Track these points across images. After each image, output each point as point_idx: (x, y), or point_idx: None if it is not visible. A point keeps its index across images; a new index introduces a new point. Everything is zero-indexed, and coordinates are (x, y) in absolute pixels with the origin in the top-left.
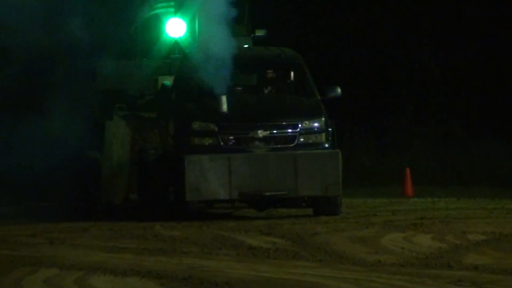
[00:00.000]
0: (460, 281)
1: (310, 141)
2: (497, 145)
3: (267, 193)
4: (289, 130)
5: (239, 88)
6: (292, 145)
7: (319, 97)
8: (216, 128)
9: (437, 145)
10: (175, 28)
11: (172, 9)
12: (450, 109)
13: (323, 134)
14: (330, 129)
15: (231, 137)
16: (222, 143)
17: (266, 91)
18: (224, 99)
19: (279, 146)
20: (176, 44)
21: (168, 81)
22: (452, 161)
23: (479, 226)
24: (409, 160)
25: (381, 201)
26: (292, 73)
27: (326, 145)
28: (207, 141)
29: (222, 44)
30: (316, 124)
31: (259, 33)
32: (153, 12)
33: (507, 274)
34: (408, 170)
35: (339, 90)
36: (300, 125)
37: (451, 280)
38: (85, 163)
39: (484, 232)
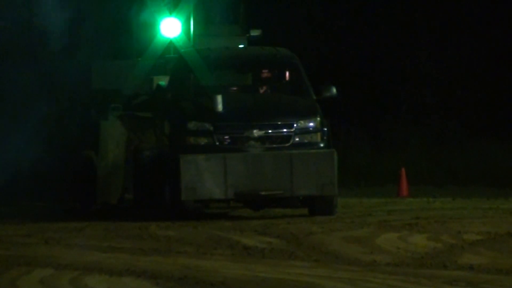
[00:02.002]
0: (455, 281)
1: (306, 141)
2: (492, 145)
3: (263, 193)
4: (285, 130)
5: (235, 88)
6: (287, 144)
7: (314, 97)
8: (211, 128)
9: (432, 145)
10: (170, 28)
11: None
12: (445, 109)
13: (319, 134)
14: (326, 129)
15: (227, 137)
16: (217, 143)
17: (261, 91)
18: (219, 98)
19: (275, 145)
20: (171, 44)
21: (163, 81)
22: (447, 161)
23: (475, 226)
24: (404, 160)
25: (376, 201)
26: (287, 73)
27: (322, 145)
28: (203, 141)
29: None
30: (311, 124)
31: (254, 33)
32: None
33: (503, 274)
34: (403, 170)
35: (334, 90)
36: (295, 125)
37: (446, 280)
38: (80, 163)
39: (479, 232)
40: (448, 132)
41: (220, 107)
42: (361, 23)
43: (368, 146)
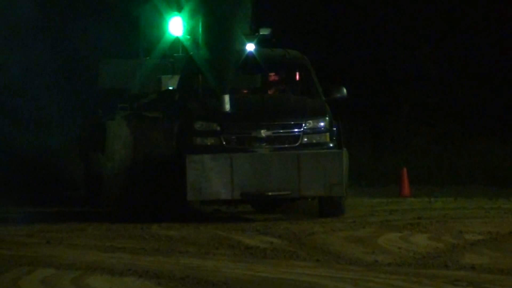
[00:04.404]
0: (457, 280)
1: (314, 141)
2: (494, 144)
3: (270, 193)
4: (293, 130)
5: (245, 91)
6: (295, 145)
7: (323, 97)
8: (218, 128)
9: (434, 145)
10: (178, 26)
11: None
12: (447, 109)
13: (327, 134)
14: (335, 129)
15: (234, 137)
16: (224, 143)
17: (270, 92)
18: (227, 98)
19: (283, 146)
20: (179, 43)
21: (172, 83)
22: (449, 161)
23: (476, 226)
24: (406, 160)
25: (378, 201)
26: (297, 74)
27: (331, 145)
28: (210, 141)
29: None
30: (320, 124)
31: (264, 31)
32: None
33: (504, 273)
34: (405, 170)
35: (344, 90)
36: (303, 125)
37: (448, 280)
38: (87, 164)
39: (481, 231)
40: (450, 132)
41: (227, 107)
42: (362, 23)
43: (369, 146)
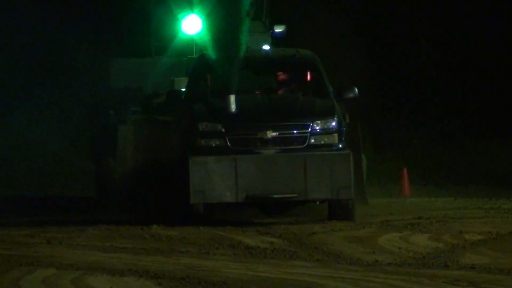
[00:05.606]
0: (457, 280)
1: (322, 142)
2: (494, 144)
3: (275, 196)
4: (300, 131)
5: (251, 89)
6: (302, 146)
7: (333, 98)
8: (223, 129)
9: (434, 145)
10: (191, 25)
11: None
12: (447, 109)
13: (336, 135)
14: (344, 129)
15: (239, 138)
16: (229, 144)
17: (280, 92)
18: (232, 98)
19: (290, 147)
20: (192, 42)
21: (184, 86)
22: (449, 161)
23: (476, 226)
24: (406, 160)
25: (378, 201)
26: (308, 74)
27: (340, 146)
28: (214, 142)
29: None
30: (328, 125)
31: (278, 29)
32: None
33: (504, 273)
34: (405, 170)
35: (356, 90)
36: (311, 126)
37: (448, 280)
38: (98, 168)
39: (481, 232)
40: (450, 132)
41: (233, 107)
42: (363, 22)
43: (370, 146)
